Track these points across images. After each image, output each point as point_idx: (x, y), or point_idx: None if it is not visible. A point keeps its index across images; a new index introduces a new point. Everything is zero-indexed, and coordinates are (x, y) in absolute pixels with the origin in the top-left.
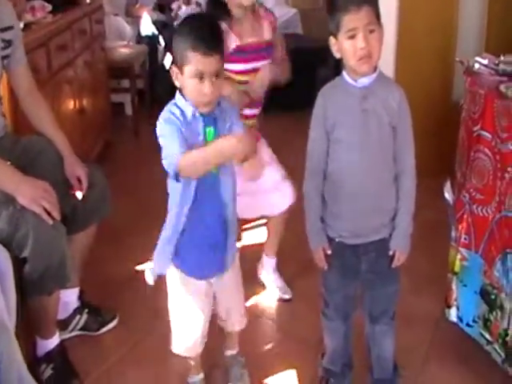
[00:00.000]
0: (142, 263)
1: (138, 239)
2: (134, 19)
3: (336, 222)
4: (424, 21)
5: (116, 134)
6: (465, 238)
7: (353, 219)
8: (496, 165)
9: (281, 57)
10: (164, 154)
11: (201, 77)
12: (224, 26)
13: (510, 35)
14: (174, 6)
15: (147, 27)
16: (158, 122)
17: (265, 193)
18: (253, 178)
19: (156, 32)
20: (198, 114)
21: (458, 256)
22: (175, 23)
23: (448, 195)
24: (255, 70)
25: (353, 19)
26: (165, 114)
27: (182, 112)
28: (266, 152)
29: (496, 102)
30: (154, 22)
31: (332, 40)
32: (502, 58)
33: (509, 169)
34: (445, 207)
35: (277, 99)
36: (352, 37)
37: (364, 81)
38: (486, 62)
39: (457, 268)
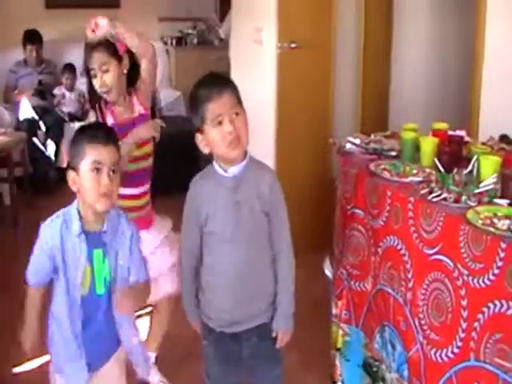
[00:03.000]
0: (21, 364)
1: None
2: (13, 105)
3: (214, 312)
4: (301, 106)
5: None
6: (345, 314)
7: (230, 309)
8: (369, 241)
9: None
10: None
11: (98, 168)
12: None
13: (382, 115)
14: (57, 91)
15: (26, 112)
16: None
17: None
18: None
19: (36, 117)
20: (83, 237)
21: (340, 332)
22: (57, 109)
23: (328, 272)
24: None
25: (217, 106)
26: (47, 225)
27: (67, 227)
28: (156, 238)
29: (366, 181)
30: (34, 107)
31: (198, 137)
32: (372, 137)
33: (381, 244)
34: (327, 281)
35: (160, 182)
36: (219, 123)
37: (234, 170)
38: (357, 141)
39: (339, 344)
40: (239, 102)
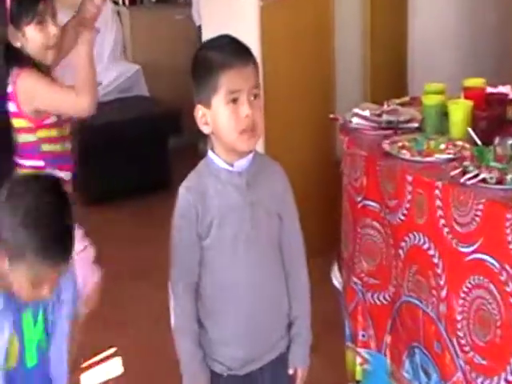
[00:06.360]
0: None
1: None
2: None
3: (222, 352)
4: (293, 73)
5: None
6: (363, 336)
7: (245, 343)
8: (388, 240)
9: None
10: None
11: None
12: None
13: (397, 78)
14: None
15: None
16: None
17: None
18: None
19: None
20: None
21: (358, 360)
22: None
23: (337, 282)
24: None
25: (238, 77)
26: None
27: None
28: None
29: (379, 164)
30: None
31: (199, 110)
32: (385, 106)
33: (402, 243)
34: (336, 294)
35: (120, 180)
36: (234, 100)
37: (242, 163)
38: (366, 113)
39: (358, 375)
40: (258, 80)
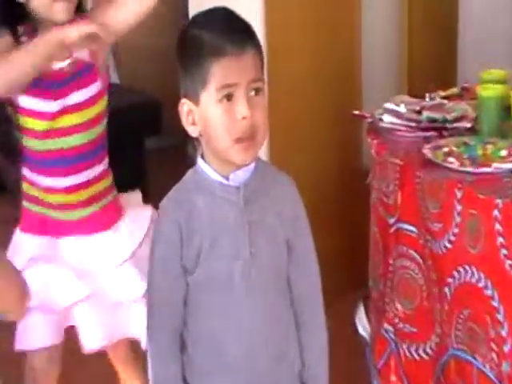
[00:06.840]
0: None
1: None
2: None
3: None
4: (306, 56)
5: None
6: None
7: None
8: (429, 275)
9: None
10: None
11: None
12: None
13: (444, 64)
14: None
15: None
16: None
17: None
18: None
19: None
20: None
21: None
22: None
23: (363, 329)
24: (65, 112)
25: (232, 68)
26: None
27: None
28: (127, 243)
29: (419, 176)
30: None
31: (185, 105)
32: (426, 99)
33: (449, 279)
34: (362, 345)
35: None
36: (228, 97)
37: (240, 176)
38: (402, 109)
39: None
40: (262, 70)
